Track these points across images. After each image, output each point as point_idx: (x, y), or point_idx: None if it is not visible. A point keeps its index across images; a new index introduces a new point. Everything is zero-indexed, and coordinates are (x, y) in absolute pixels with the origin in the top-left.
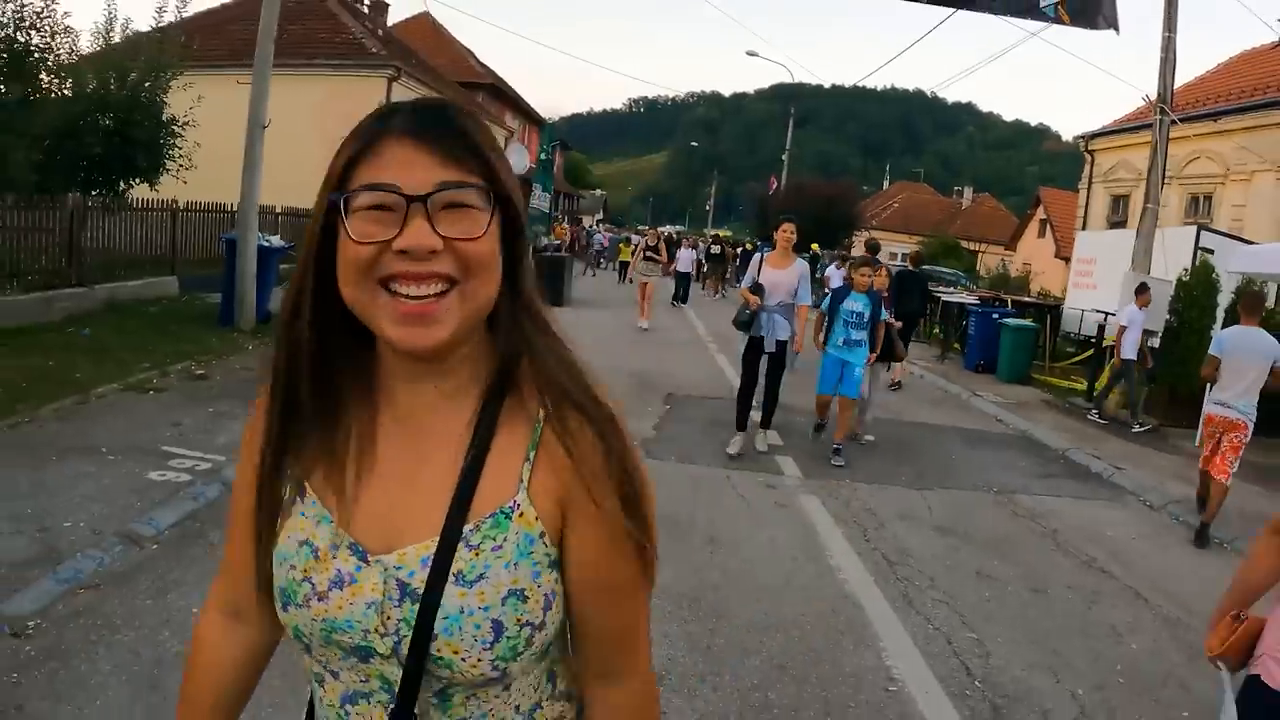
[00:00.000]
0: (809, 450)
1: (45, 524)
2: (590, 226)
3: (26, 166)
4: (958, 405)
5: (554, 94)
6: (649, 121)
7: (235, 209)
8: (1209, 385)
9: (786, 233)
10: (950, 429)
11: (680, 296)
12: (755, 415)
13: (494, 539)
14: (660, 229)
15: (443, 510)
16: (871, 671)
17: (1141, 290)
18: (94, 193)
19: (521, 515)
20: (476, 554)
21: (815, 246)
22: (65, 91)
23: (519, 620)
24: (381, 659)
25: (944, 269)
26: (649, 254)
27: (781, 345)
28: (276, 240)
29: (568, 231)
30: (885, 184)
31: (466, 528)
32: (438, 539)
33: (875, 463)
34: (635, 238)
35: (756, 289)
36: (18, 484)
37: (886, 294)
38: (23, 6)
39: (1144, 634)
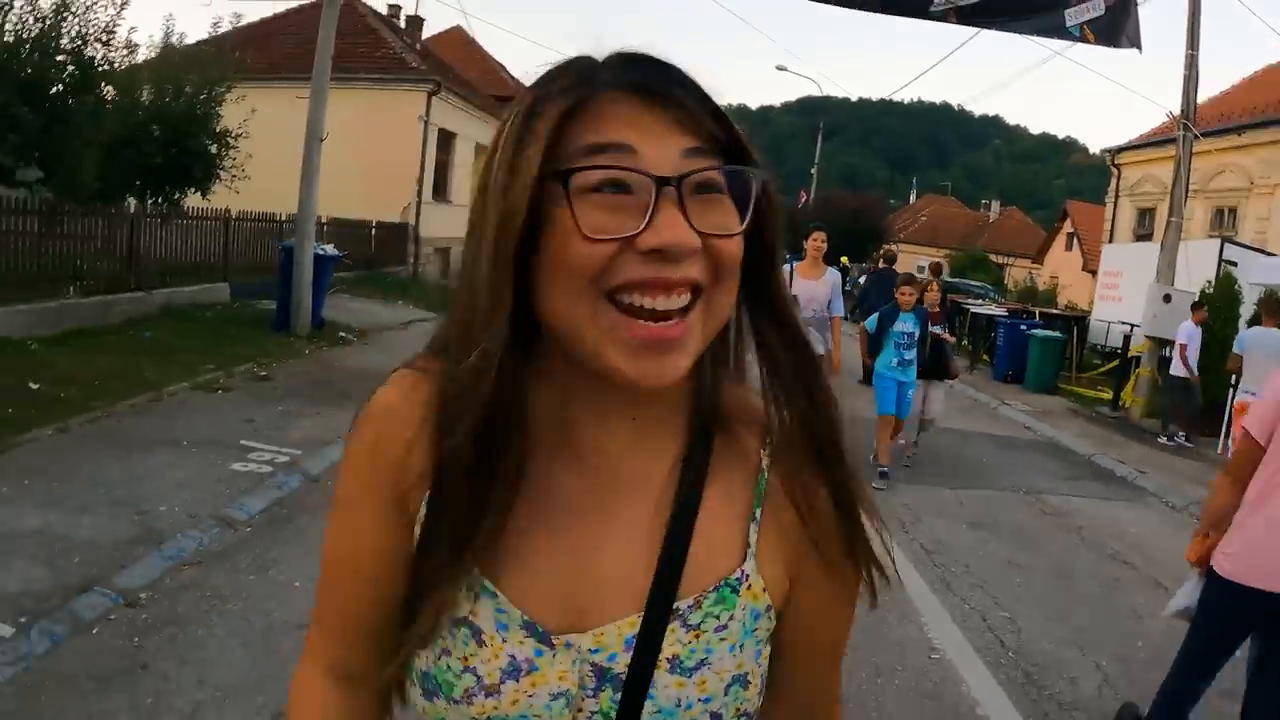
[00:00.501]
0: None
1: (142, 508)
2: None
3: (94, 175)
4: (987, 413)
5: (644, 44)
6: None
7: (285, 218)
8: (1234, 379)
9: (817, 241)
10: (980, 435)
11: None
12: None
13: (718, 617)
14: None
15: (647, 578)
16: (914, 642)
17: (1197, 307)
18: (150, 201)
19: (750, 588)
20: (697, 635)
21: (844, 259)
22: (125, 102)
23: (738, 710)
24: None
25: (972, 282)
26: None
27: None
28: (330, 249)
29: None
30: (912, 197)
31: (684, 603)
32: (643, 614)
33: (910, 461)
34: None
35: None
36: (110, 472)
37: (937, 309)
38: (88, 22)
39: (1162, 616)
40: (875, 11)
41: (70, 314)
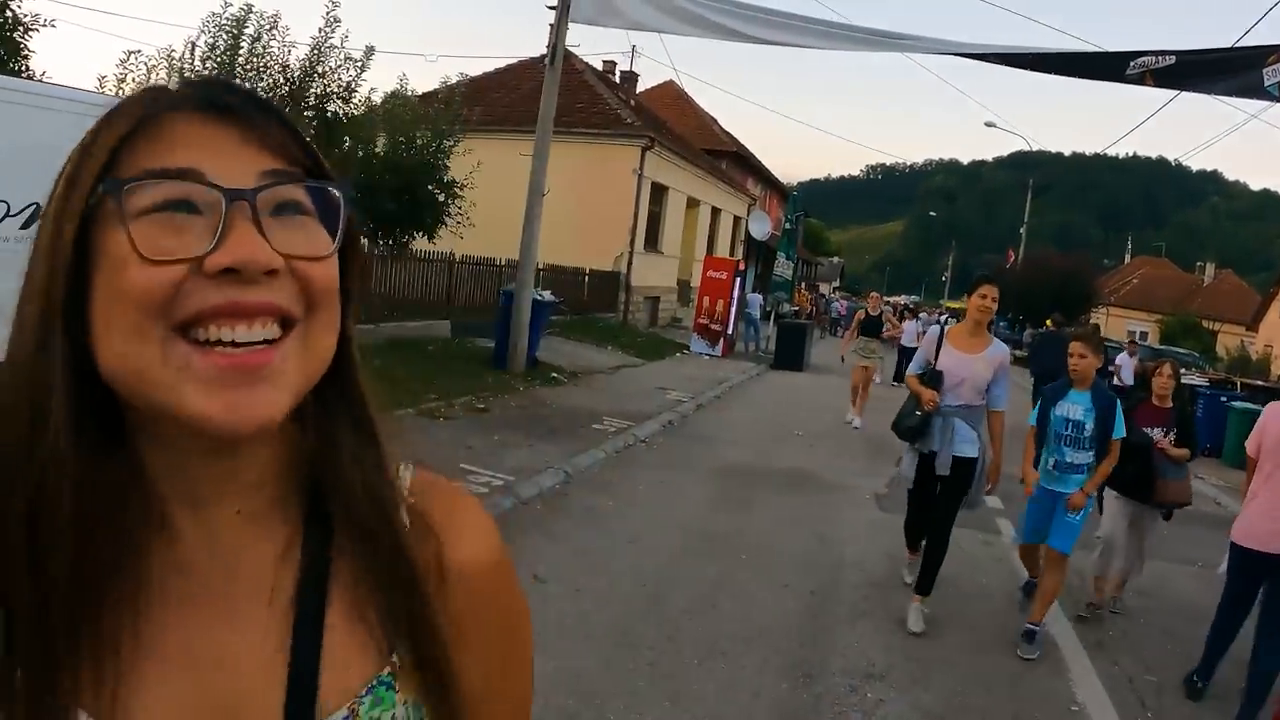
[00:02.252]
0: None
1: None
2: (827, 294)
3: None
4: None
5: (792, 160)
6: (886, 189)
7: (504, 263)
8: None
9: (984, 300)
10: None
11: (902, 376)
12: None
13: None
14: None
15: (280, 694)
16: (1058, 694)
17: None
18: (381, 242)
19: (399, 681)
20: None
21: (1049, 322)
22: (364, 151)
23: None
24: None
25: (1179, 349)
26: (868, 328)
27: (965, 467)
28: (547, 295)
29: (808, 299)
30: (1127, 257)
31: (337, 717)
32: (295, 699)
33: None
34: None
35: (932, 378)
36: None
37: (1166, 403)
38: (332, 82)
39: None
40: (1071, 76)
41: None
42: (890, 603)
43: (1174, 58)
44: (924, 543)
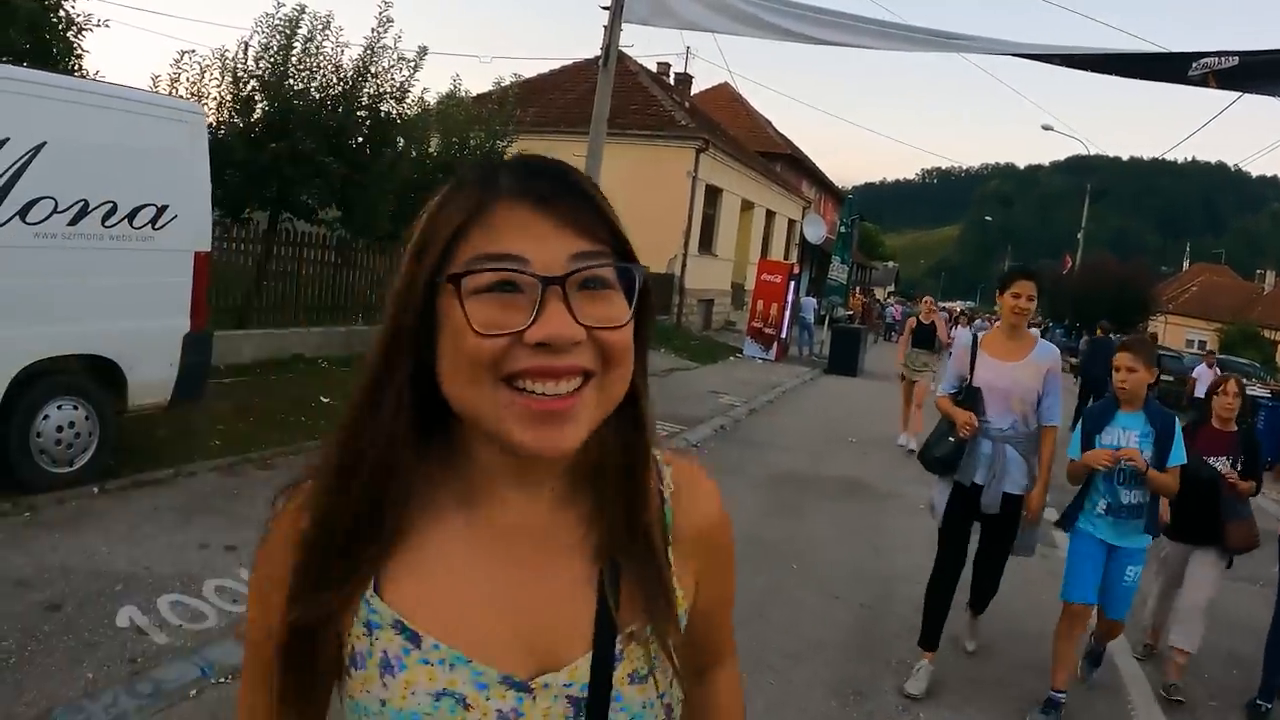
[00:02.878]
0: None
1: None
2: (882, 299)
3: (387, 217)
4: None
5: (847, 163)
6: (941, 193)
7: None
8: None
9: (1019, 299)
10: None
11: None
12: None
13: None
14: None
15: (588, 624)
16: (1116, 717)
17: None
18: None
19: (676, 598)
20: (646, 648)
21: (1100, 330)
22: (418, 151)
23: (677, 696)
24: None
25: (1241, 360)
26: (920, 338)
27: (1017, 505)
28: None
29: (863, 303)
30: (1185, 264)
31: (633, 626)
32: (593, 645)
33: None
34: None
35: (968, 395)
36: None
37: (1230, 426)
38: (385, 82)
39: None
40: (1133, 78)
41: (357, 339)
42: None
43: (1237, 59)
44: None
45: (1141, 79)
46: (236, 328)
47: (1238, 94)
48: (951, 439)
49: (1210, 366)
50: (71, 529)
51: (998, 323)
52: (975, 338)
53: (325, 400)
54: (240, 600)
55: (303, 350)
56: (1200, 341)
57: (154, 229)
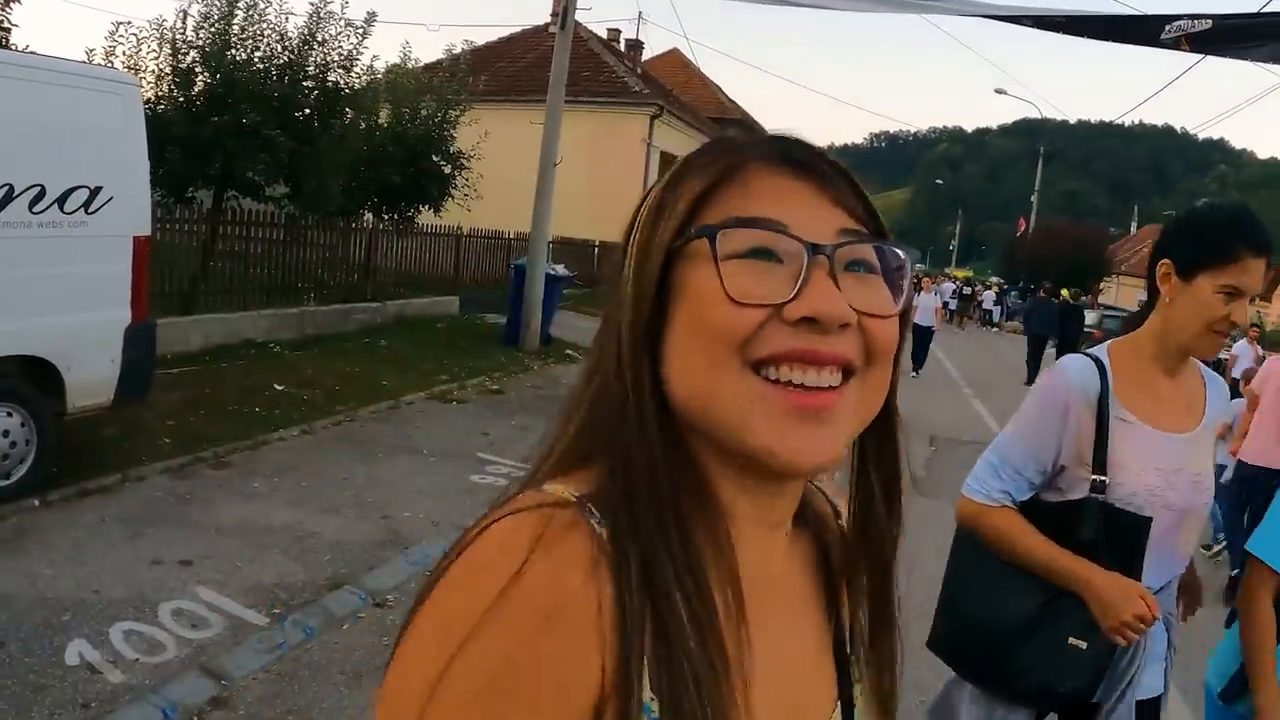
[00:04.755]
0: None
1: (386, 513)
2: None
3: (337, 191)
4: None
5: (796, 127)
6: (890, 156)
7: (513, 236)
8: None
9: (1237, 291)
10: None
11: (918, 360)
12: None
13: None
14: None
15: (832, 688)
16: None
17: None
18: (386, 217)
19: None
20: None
21: (1065, 292)
22: (366, 123)
23: None
24: None
25: None
26: None
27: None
28: (560, 270)
29: None
30: (1134, 226)
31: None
32: (841, 701)
33: None
34: None
35: (1128, 531)
36: (354, 476)
37: None
38: (332, 51)
39: None
40: (1106, 40)
41: (310, 320)
42: None
43: (1210, 21)
44: None
45: (1113, 41)
46: (183, 314)
47: (1197, 58)
48: (1081, 644)
49: (1253, 343)
50: (11, 550)
51: (1123, 336)
52: (1101, 367)
53: (279, 387)
54: (200, 624)
55: (254, 335)
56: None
57: (87, 213)
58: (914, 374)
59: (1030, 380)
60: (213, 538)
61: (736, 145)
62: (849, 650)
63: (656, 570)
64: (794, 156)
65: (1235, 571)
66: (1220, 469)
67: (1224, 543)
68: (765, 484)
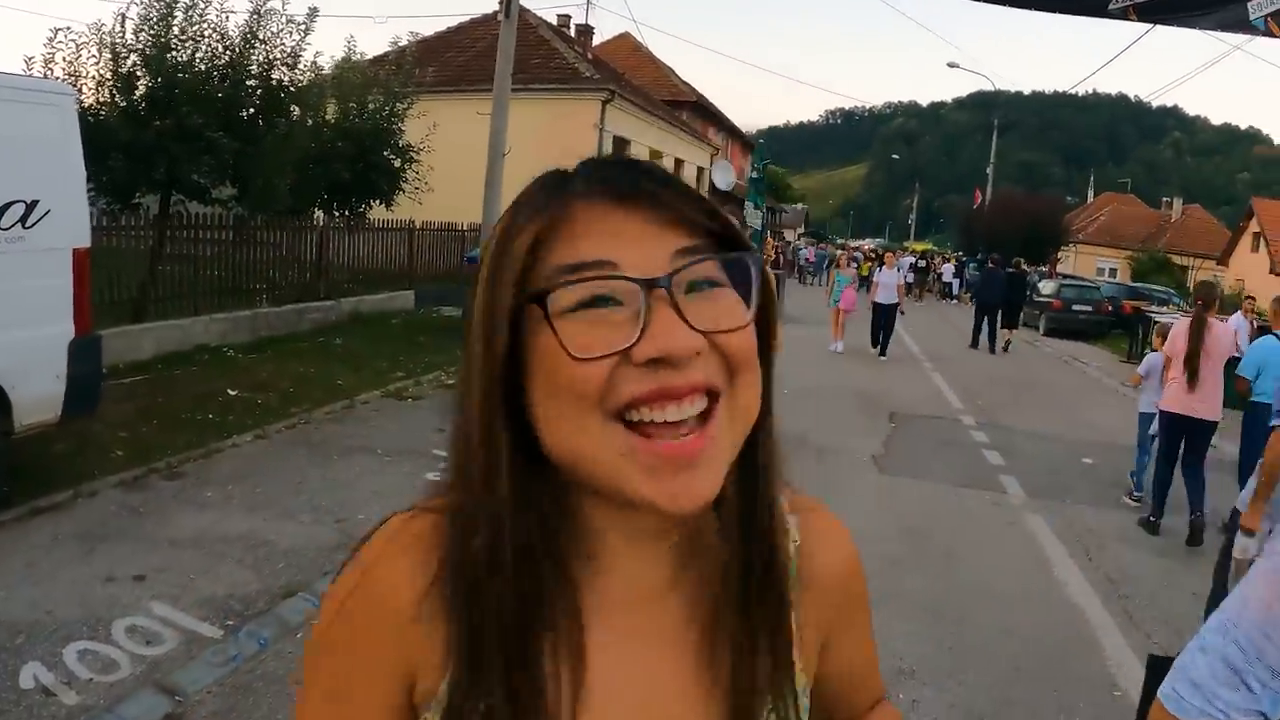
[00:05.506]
0: (1033, 469)
1: (341, 516)
2: (794, 241)
3: (285, 190)
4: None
5: (751, 107)
6: (846, 133)
7: (467, 229)
8: None
9: None
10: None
11: (881, 341)
12: None
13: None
14: (859, 243)
15: (716, 704)
16: (1097, 678)
17: None
18: (337, 214)
19: (798, 673)
20: None
21: (1020, 262)
22: (313, 120)
23: None
24: None
25: (1155, 287)
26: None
27: None
28: None
29: (775, 246)
30: (1090, 195)
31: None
32: None
33: (1095, 485)
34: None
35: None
36: (309, 480)
37: None
38: (274, 48)
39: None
40: (1053, 11)
41: (264, 322)
42: (910, 583)
43: None
44: None
45: (1063, 12)
46: (133, 322)
47: (1148, 27)
48: None
49: (1248, 316)
50: None
51: None
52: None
53: (233, 392)
54: (154, 640)
55: (206, 339)
56: (1112, 269)
57: (24, 228)
58: (877, 352)
59: (974, 344)
60: (166, 550)
61: (560, 184)
62: (769, 682)
63: (479, 603)
64: (618, 185)
65: (1151, 516)
66: (1148, 418)
67: (1140, 496)
68: (641, 513)
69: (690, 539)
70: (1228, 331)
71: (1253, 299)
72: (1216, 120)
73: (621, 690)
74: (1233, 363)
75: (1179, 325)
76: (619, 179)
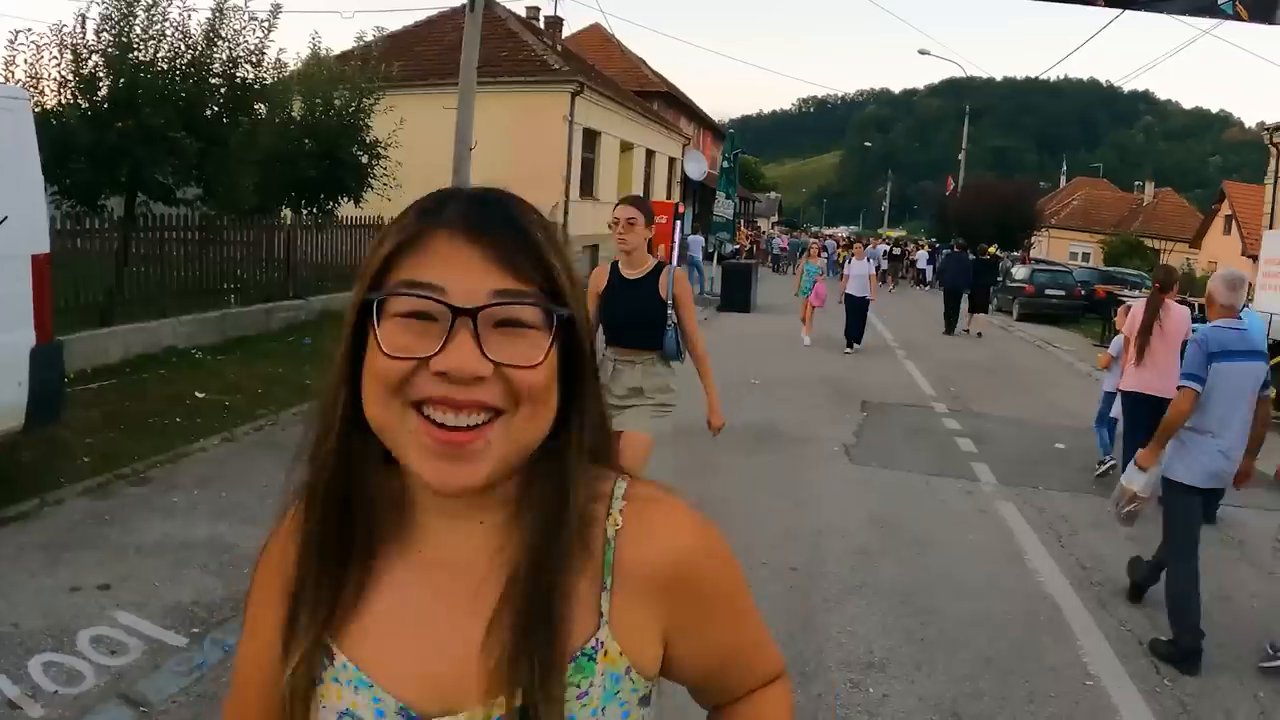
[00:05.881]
0: (1005, 456)
1: None
2: (767, 231)
3: (251, 189)
4: None
5: (723, 97)
6: (819, 121)
7: None
8: None
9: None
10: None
11: (854, 333)
12: None
13: (578, 685)
14: (832, 231)
15: (506, 665)
16: (1070, 666)
17: None
18: (305, 211)
19: (606, 654)
20: (557, 705)
21: (993, 249)
22: (279, 118)
23: None
24: None
25: (1128, 271)
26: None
27: None
28: None
29: (748, 236)
30: (1062, 179)
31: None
32: (508, 693)
33: (1067, 471)
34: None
35: None
36: (276, 483)
37: None
38: (238, 45)
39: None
40: None
41: (233, 323)
42: (880, 573)
43: None
44: None
45: None
46: (100, 326)
47: (1118, 12)
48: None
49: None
50: None
51: None
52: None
53: (201, 395)
54: (119, 650)
55: (175, 342)
56: (1085, 253)
57: None
58: (852, 348)
59: (948, 330)
60: (132, 559)
61: (434, 209)
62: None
63: (310, 538)
64: (471, 221)
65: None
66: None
67: (1111, 461)
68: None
69: (506, 523)
70: (1183, 313)
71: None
72: (1188, 104)
73: (401, 617)
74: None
75: (1137, 305)
76: (474, 217)
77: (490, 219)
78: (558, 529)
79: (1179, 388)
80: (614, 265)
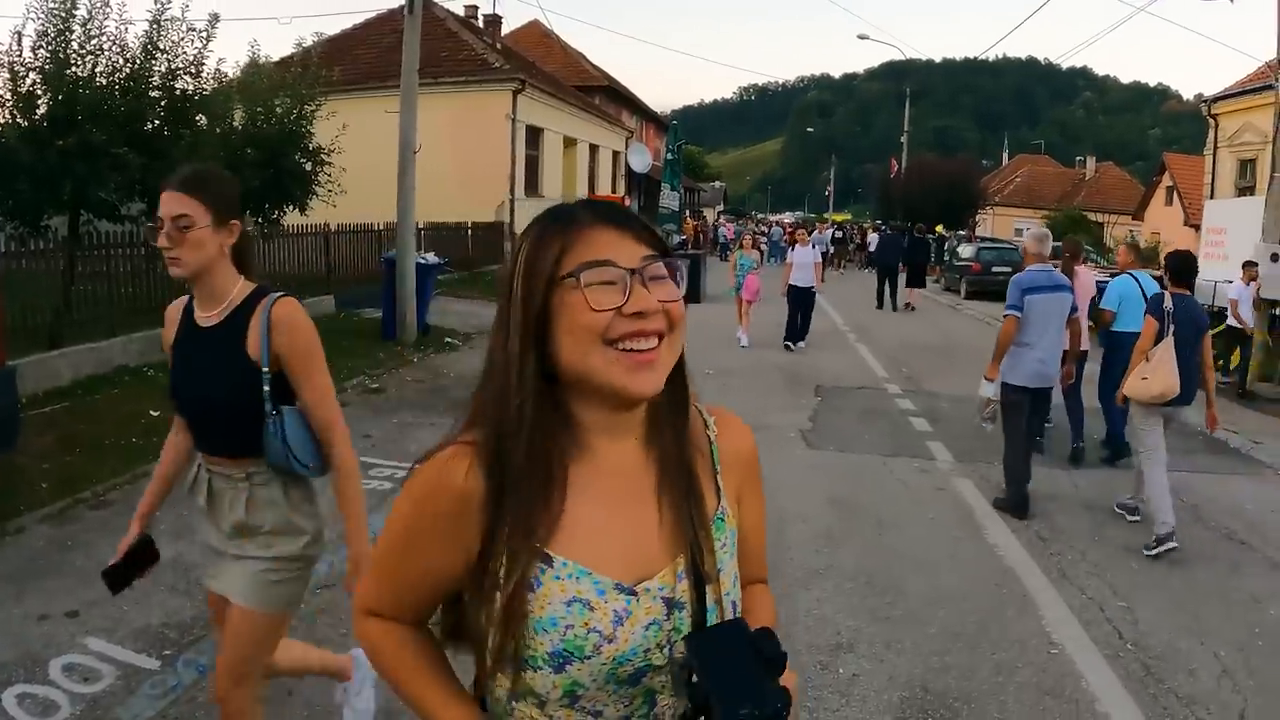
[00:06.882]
0: (959, 433)
1: None
2: (713, 220)
3: None
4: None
5: (665, 88)
6: (761, 109)
7: (382, 227)
8: None
9: None
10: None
11: (796, 331)
12: None
13: (720, 539)
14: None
15: (674, 535)
16: (1034, 636)
17: (1249, 265)
18: (250, 221)
19: (726, 518)
20: (714, 555)
21: (940, 228)
22: (220, 128)
23: (736, 601)
24: (654, 672)
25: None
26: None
27: None
28: (431, 257)
29: (694, 226)
30: (1004, 157)
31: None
32: (683, 552)
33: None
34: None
35: None
36: None
37: None
38: (176, 57)
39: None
40: None
41: None
42: (842, 556)
43: None
44: None
45: None
46: (50, 348)
47: None
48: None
49: (1250, 283)
50: None
51: None
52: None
53: (155, 414)
54: (92, 677)
55: (126, 360)
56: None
57: None
58: (794, 345)
59: (879, 305)
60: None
61: (571, 216)
62: (712, 522)
63: (514, 475)
64: (611, 218)
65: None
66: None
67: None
68: (615, 411)
69: (648, 434)
70: (1089, 277)
71: (1254, 264)
72: (1126, 79)
73: (596, 517)
74: (1094, 303)
75: (1085, 277)
76: (609, 213)
77: (618, 214)
78: (684, 434)
79: (1004, 316)
80: (189, 302)
